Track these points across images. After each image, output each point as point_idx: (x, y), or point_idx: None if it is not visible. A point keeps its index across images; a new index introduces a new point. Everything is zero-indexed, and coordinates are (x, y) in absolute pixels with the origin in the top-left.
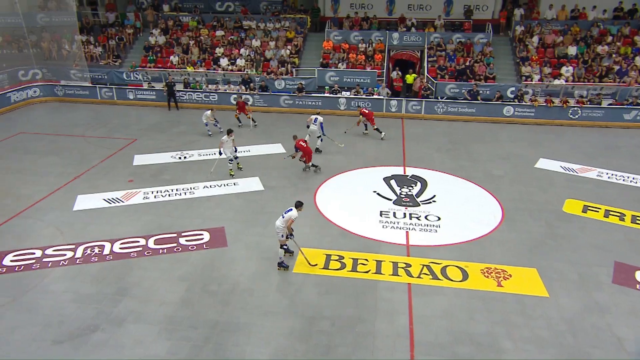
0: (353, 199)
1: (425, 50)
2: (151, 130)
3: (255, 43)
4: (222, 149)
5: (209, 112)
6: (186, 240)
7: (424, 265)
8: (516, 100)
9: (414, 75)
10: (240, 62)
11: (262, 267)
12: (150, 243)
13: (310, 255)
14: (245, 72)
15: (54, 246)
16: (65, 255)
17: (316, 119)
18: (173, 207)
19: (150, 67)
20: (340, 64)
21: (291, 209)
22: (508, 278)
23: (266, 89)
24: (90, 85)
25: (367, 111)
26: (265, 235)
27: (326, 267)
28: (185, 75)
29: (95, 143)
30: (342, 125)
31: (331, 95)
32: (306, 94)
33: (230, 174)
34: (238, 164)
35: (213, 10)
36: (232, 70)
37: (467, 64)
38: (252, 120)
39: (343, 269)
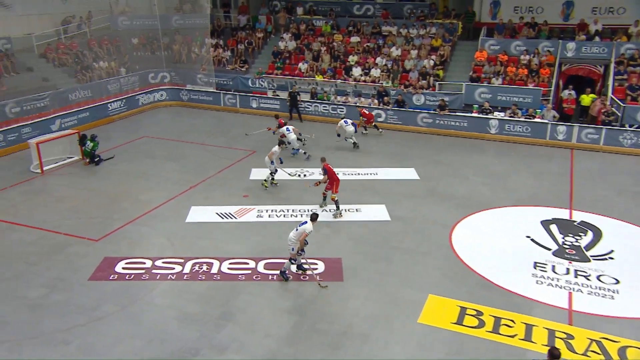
0: (500, 243)
1: (612, 65)
2: (272, 143)
3: (395, 51)
4: (273, 159)
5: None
6: (298, 268)
7: (593, 340)
8: None
9: (592, 95)
10: (375, 72)
11: (382, 310)
12: (260, 267)
13: (440, 305)
14: (379, 84)
15: (163, 258)
16: (173, 269)
17: (346, 120)
18: (287, 229)
19: (276, 74)
20: (494, 79)
21: (306, 222)
22: None
23: (402, 104)
24: (215, 91)
25: (367, 112)
26: (388, 274)
27: (459, 322)
28: (313, 84)
29: (214, 152)
30: (490, 153)
31: (480, 115)
32: (449, 112)
33: (265, 187)
34: (273, 179)
35: (350, 13)
36: (365, 81)
37: None
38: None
39: (481, 328)
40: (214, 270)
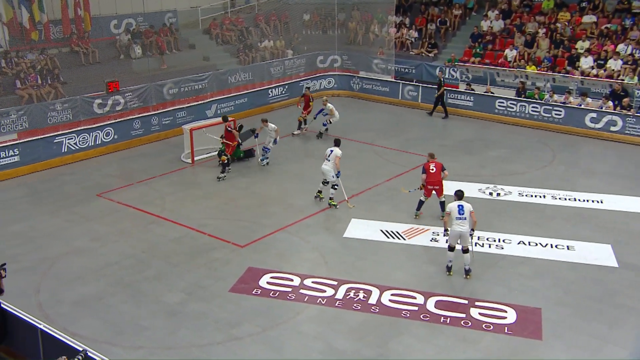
0: None
1: None
2: (458, 149)
3: None
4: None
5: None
6: (480, 314)
7: None
8: None
9: None
10: (614, 64)
11: None
12: (430, 304)
13: None
14: (619, 81)
15: (314, 277)
16: (324, 292)
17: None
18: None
19: (473, 63)
20: None
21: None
22: None
23: None
24: (393, 80)
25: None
26: (609, 340)
27: None
28: (522, 77)
29: (385, 155)
30: None
31: None
32: None
33: (321, 197)
34: (321, 194)
35: None
36: (596, 75)
37: None
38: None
39: None
40: (373, 300)
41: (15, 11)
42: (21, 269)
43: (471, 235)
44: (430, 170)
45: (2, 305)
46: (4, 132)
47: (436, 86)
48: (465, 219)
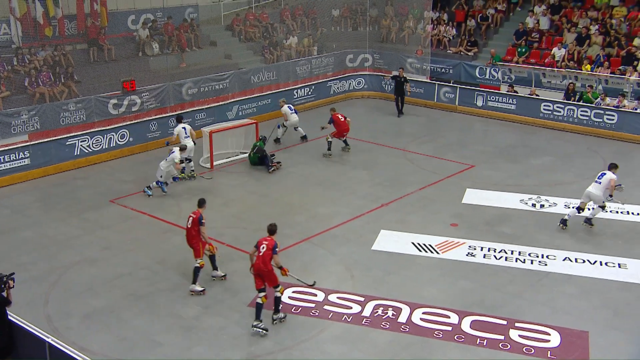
0: None
1: None
2: (499, 156)
3: None
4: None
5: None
6: (520, 336)
7: None
8: None
9: None
10: None
11: None
12: (465, 324)
13: None
14: None
15: (340, 292)
16: (350, 308)
17: (291, 107)
18: (508, 278)
19: (517, 63)
20: None
21: (605, 173)
22: None
23: None
24: (428, 80)
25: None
26: None
27: None
28: (571, 78)
29: (418, 162)
30: None
31: None
32: None
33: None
34: (193, 171)
35: None
36: None
37: None
38: None
39: None
40: (402, 318)
41: (29, 5)
42: (30, 279)
43: (604, 202)
44: (341, 120)
45: (9, 316)
46: (14, 133)
47: (394, 84)
48: (599, 183)
